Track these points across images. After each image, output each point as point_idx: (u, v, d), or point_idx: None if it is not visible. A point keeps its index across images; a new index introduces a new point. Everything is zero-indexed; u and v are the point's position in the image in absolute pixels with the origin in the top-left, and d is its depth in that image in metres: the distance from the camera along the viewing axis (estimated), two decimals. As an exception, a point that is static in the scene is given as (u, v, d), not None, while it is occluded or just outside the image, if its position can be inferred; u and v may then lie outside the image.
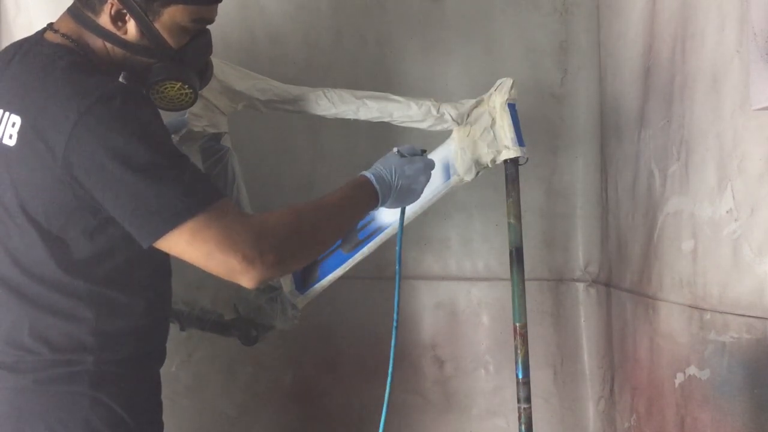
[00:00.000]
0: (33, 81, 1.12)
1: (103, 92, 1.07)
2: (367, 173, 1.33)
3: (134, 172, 1.04)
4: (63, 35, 1.18)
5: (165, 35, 1.20)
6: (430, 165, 1.40)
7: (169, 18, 1.18)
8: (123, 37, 1.19)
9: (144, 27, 1.18)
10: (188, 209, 1.05)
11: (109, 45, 1.19)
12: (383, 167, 1.34)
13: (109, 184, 1.05)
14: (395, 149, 1.38)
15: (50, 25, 1.21)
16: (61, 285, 1.13)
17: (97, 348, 1.14)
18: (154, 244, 1.07)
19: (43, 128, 1.06)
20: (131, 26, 1.17)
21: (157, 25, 1.18)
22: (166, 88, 1.25)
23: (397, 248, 1.44)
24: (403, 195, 1.36)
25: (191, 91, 1.28)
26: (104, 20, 1.17)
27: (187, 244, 1.06)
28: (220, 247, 1.06)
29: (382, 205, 1.34)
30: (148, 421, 1.21)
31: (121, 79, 1.23)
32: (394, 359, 1.30)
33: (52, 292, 1.13)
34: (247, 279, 1.08)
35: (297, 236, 1.16)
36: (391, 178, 1.33)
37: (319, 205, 1.24)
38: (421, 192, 1.41)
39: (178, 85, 1.26)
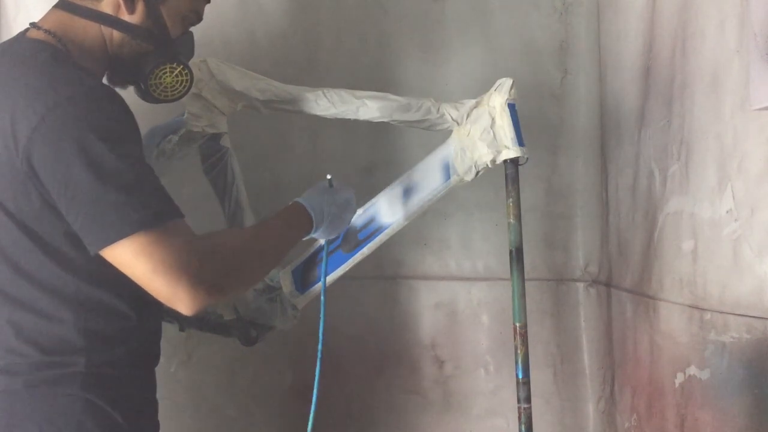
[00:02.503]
0: (10, 76, 1.10)
1: (78, 89, 1.06)
2: (301, 200, 1.34)
3: (95, 174, 1.02)
4: (46, 31, 1.17)
5: (167, 21, 1.24)
6: (354, 198, 1.43)
7: (174, 4, 1.24)
8: (127, 19, 1.20)
9: (151, 9, 1.22)
10: (142, 222, 1.02)
11: (106, 31, 1.20)
12: (315, 195, 1.36)
13: (67, 182, 1.03)
14: (328, 176, 1.41)
15: (33, 24, 1.21)
16: (47, 282, 1.11)
17: (88, 349, 1.13)
18: (100, 252, 1.05)
19: (14, 120, 1.05)
20: (140, 8, 1.21)
21: (162, 10, 1.23)
22: (164, 73, 1.26)
23: (322, 288, 1.45)
24: (335, 223, 1.38)
25: (188, 78, 1.29)
26: (107, 4, 1.20)
27: (132, 258, 1.03)
28: (165, 268, 1.03)
29: (314, 232, 1.35)
30: (141, 422, 1.20)
31: (104, 81, 1.23)
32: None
33: (37, 290, 1.11)
34: (186, 305, 1.05)
35: (241, 265, 1.15)
36: (323, 205, 1.35)
37: (262, 232, 1.25)
38: (349, 222, 1.44)
39: (177, 70, 1.27)
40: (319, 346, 1.39)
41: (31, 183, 1.06)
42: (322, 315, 1.42)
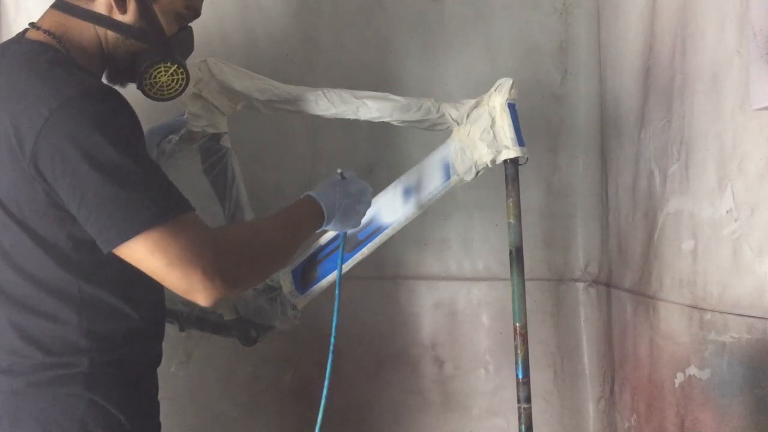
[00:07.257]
0: (11, 78, 1.10)
1: (79, 90, 1.06)
2: (312, 193, 1.34)
3: (103, 173, 1.02)
4: (45, 32, 1.17)
5: (161, 20, 1.23)
6: (370, 190, 1.42)
7: (168, 2, 1.23)
8: (120, 19, 1.20)
9: (143, 8, 1.20)
10: (154, 217, 1.02)
11: (101, 31, 1.20)
12: (327, 187, 1.36)
13: (75, 183, 1.02)
14: (338, 170, 1.40)
15: (32, 24, 1.21)
16: (50, 283, 1.11)
17: (91, 350, 1.13)
18: (114, 251, 1.04)
19: (17, 124, 1.05)
20: (132, 8, 1.20)
21: (155, 8, 1.22)
22: (159, 72, 1.25)
23: (337, 278, 1.44)
24: (347, 215, 1.37)
25: (183, 77, 1.28)
26: (99, 4, 1.19)
27: (147, 253, 1.03)
28: (182, 260, 1.03)
29: (326, 224, 1.34)
30: (144, 422, 1.20)
31: (103, 80, 1.23)
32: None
33: (40, 292, 1.11)
34: (204, 296, 1.06)
35: (256, 256, 1.16)
36: (335, 197, 1.34)
37: (274, 225, 1.24)
38: (364, 213, 1.42)
39: (172, 69, 1.26)
40: (332, 340, 1.38)
41: (38, 185, 1.06)
42: (336, 308, 1.41)
